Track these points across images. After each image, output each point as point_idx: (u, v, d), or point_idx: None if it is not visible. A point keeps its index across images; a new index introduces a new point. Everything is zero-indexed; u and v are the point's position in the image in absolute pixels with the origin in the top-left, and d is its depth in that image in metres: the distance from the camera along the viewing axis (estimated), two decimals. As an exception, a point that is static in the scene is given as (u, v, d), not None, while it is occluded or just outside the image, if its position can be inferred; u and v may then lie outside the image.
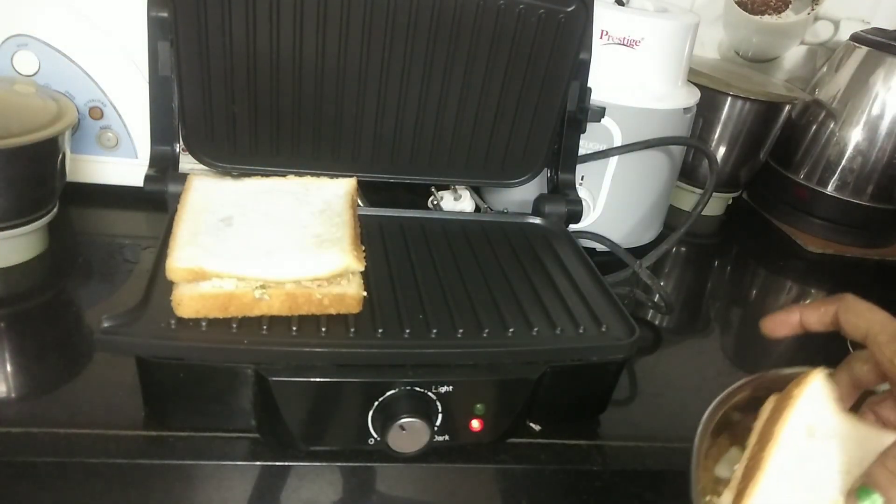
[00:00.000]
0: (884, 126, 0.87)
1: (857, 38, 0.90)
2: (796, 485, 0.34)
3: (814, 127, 0.92)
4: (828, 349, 0.69)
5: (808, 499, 0.34)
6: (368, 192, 0.70)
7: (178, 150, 0.58)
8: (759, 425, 0.38)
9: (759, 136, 0.90)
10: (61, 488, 0.44)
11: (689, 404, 0.58)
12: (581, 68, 0.63)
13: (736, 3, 0.99)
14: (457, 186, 0.76)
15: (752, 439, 0.38)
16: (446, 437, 0.46)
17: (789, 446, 0.35)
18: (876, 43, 0.88)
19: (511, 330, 0.48)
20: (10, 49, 0.65)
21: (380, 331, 0.46)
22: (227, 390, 0.44)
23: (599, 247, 0.76)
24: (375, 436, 0.45)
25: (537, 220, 0.65)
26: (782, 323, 0.44)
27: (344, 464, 0.47)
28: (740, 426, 0.43)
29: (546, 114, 0.64)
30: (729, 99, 0.87)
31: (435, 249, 0.58)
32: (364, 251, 0.48)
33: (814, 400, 0.37)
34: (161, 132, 0.57)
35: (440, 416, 0.45)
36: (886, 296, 0.85)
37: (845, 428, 0.37)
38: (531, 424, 0.50)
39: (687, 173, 0.90)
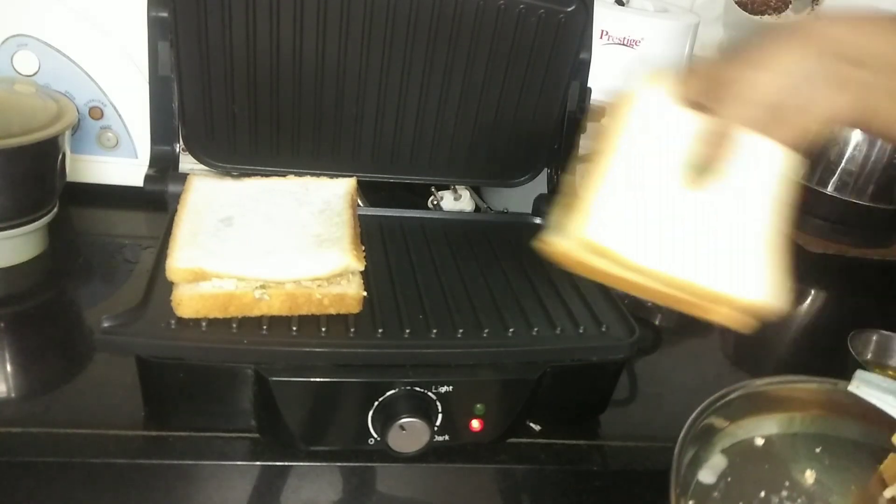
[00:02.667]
0: (884, 126, 0.86)
1: (857, 38, 0.90)
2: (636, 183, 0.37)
3: (814, 127, 0.92)
4: (830, 354, 0.70)
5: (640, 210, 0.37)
6: (368, 192, 0.70)
7: (178, 150, 0.58)
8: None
9: (759, 136, 0.90)
10: (61, 488, 0.44)
11: (689, 404, 0.58)
12: (581, 68, 0.63)
13: (736, 3, 0.99)
14: (457, 186, 0.76)
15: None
16: (446, 437, 0.46)
17: (628, 153, 0.38)
18: (876, 43, 0.88)
19: (511, 330, 0.48)
20: (10, 49, 0.65)
21: (380, 331, 0.46)
22: (227, 390, 0.44)
23: (599, 247, 0.76)
24: (375, 436, 0.45)
25: (537, 220, 0.65)
26: None
27: (344, 464, 0.47)
28: (724, 433, 0.44)
29: (546, 114, 0.64)
30: (729, 99, 0.87)
31: (435, 249, 0.57)
32: (364, 251, 0.48)
33: (651, 104, 0.40)
34: (161, 132, 0.57)
35: (440, 416, 0.45)
36: (887, 296, 0.85)
37: (688, 122, 0.39)
38: (531, 424, 0.50)
39: (687, 173, 0.89)
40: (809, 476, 0.44)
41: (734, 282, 0.37)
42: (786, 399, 0.47)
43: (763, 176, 0.39)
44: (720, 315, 0.37)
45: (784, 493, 0.43)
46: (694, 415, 0.42)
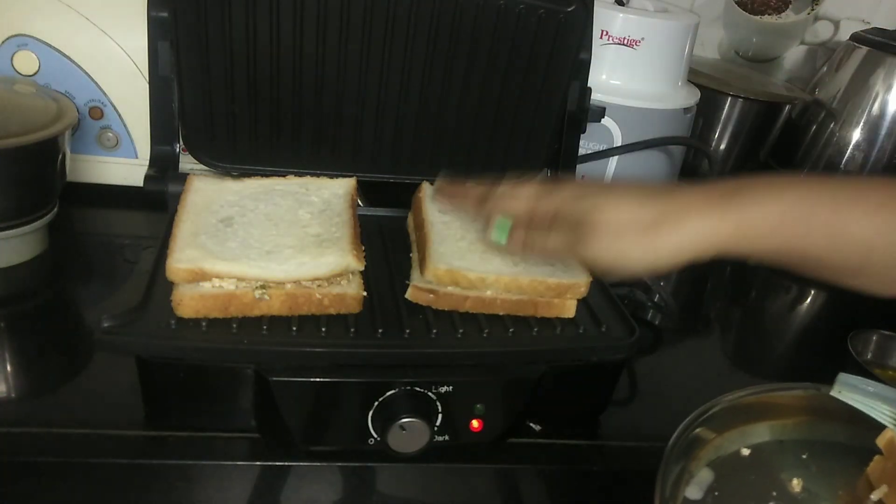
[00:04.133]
0: (884, 126, 0.87)
1: (857, 38, 0.90)
2: (453, 237, 0.52)
3: (814, 127, 0.92)
4: (830, 354, 0.70)
5: (464, 244, 0.52)
6: (368, 192, 0.70)
7: (178, 150, 0.58)
8: (413, 222, 0.57)
9: (759, 136, 0.90)
10: (61, 488, 0.44)
11: (689, 404, 0.58)
12: (581, 68, 0.63)
13: (736, 3, 0.99)
14: (457, 186, 0.76)
15: (413, 234, 0.56)
16: (446, 437, 0.46)
17: (436, 221, 0.54)
18: (876, 43, 0.88)
19: (511, 330, 0.48)
20: (10, 49, 0.65)
21: (380, 331, 0.46)
22: (227, 390, 0.44)
23: (599, 247, 0.76)
24: (375, 436, 0.45)
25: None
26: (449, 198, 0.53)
27: (344, 464, 0.47)
28: (710, 446, 0.44)
29: (546, 114, 0.64)
30: (729, 99, 0.87)
31: (435, 249, 0.58)
32: (364, 251, 0.48)
33: (432, 198, 0.57)
34: (161, 132, 0.57)
35: (440, 416, 0.45)
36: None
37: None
38: (531, 424, 0.50)
39: (687, 173, 0.89)
40: (797, 484, 0.43)
41: (558, 271, 0.49)
42: (770, 407, 0.47)
43: None
44: (557, 306, 0.49)
45: None
46: (678, 430, 0.42)
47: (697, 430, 0.43)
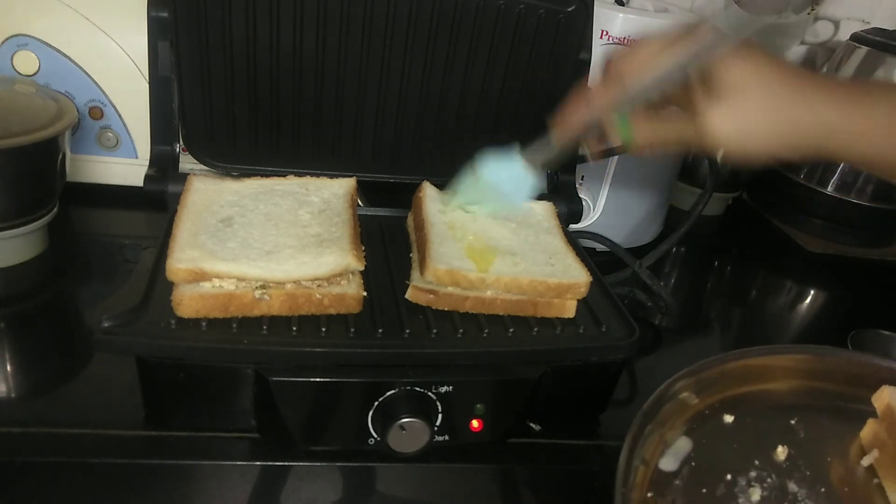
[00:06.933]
0: (884, 126, 0.86)
1: (857, 38, 0.90)
2: (453, 237, 0.53)
3: (814, 127, 0.92)
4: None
5: (464, 244, 0.52)
6: (368, 192, 0.70)
7: (178, 150, 0.58)
8: (413, 222, 0.57)
9: (759, 136, 0.90)
10: (61, 488, 0.44)
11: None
12: (581, 68, 0.63)
13: (736, 2, 0.99)
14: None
15: (414, 234, 0.56)
16: (446, 437, 0.46)
17: (436, 222, 0.54)
18: (876, 43, 0.88)
19: (511, 330, 0.48)
20: (10, 49, 0.65)
21: (380, 331, 0.46)
22: (227, 390, 0.44)
23: (599, 247, 0.76)
24: (375, 436, 0.45)
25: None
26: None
27: (344, 464, 0.47)
28: (691, 411, 0.42)
29: (546, 114, 0.64)
30: (729, 99, 0.87)
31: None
32: (364, 251, 0.48)
33: (432, 198, 0.58)
34: (161, 132, 0.57)
35: (440, 416, 0.45)
36: (887, 296, 0.85)
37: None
38: (531, 424, 0.50)
39: (687, 173, 0.89)
40: (781, 452, 0.41)
41: (558, 272, 0.50)
42: (760, 371, 0.44)
43: (539, 215, 0.59)
44: (557, 306, 0.49)
45: (752, 474, 0.40)
46: (654, 395, 0.39)
47: (677, 395, 0.41)
